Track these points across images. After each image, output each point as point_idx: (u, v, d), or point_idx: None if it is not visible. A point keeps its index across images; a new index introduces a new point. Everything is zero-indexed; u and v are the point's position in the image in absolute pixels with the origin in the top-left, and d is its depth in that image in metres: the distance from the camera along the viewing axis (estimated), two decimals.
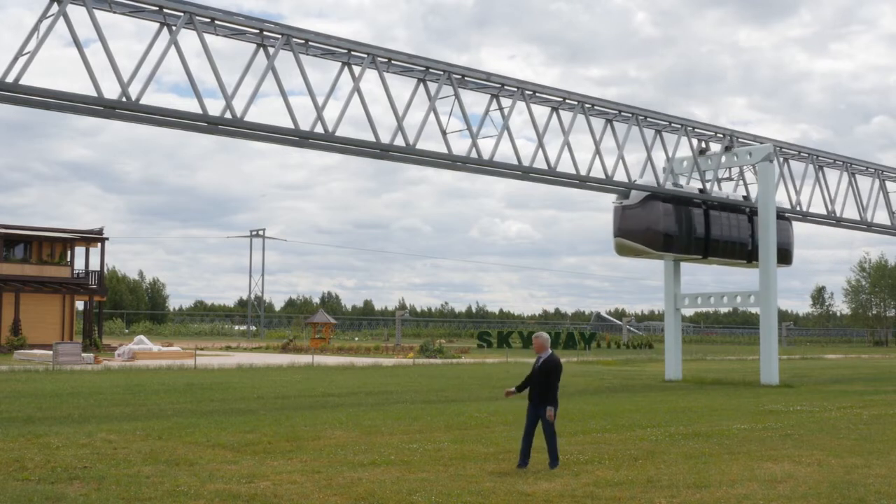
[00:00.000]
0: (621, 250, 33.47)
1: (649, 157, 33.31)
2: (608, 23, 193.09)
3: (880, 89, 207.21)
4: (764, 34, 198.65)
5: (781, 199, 37.38)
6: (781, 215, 37.28)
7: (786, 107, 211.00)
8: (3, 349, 50.68)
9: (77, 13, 20.61)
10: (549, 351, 12.88)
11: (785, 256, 37.41)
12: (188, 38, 22.94)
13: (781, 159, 37.73)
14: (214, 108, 22.84)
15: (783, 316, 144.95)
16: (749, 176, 37.06)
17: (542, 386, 12.60)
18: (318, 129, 24.42)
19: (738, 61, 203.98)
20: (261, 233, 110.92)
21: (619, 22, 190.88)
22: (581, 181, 30.97)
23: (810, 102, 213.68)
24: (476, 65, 34.17)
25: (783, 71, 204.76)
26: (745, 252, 36.06)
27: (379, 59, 25.67)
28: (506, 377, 35.49)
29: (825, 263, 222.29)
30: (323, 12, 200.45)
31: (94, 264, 60.50)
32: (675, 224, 33.14)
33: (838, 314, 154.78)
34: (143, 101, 21.49)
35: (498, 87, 28.54)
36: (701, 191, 34.17)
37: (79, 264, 59.10)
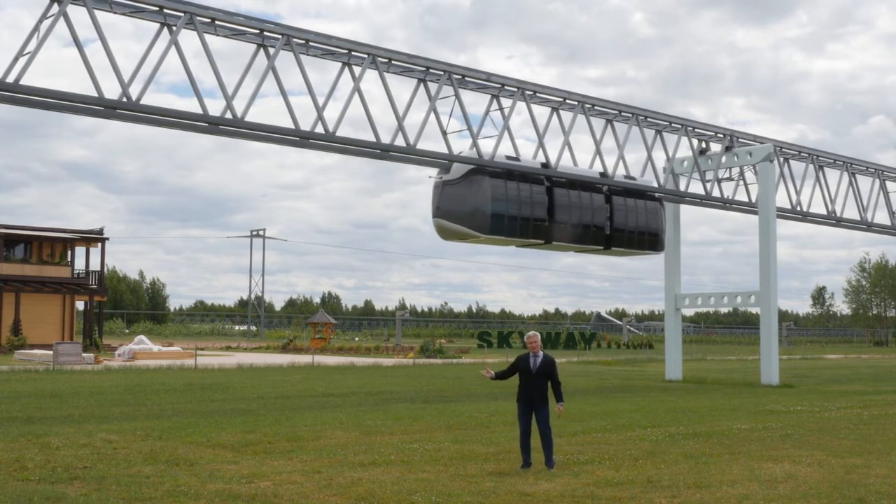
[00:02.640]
0: (443, 234, 28.71)
1: (650, 158, 33.33)
2: (605, 23, 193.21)
3: (878, 89, 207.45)
4: (761, 34, 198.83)
5: (782, 199, 37.41)
6: (649, 194, 33.14)
7: (783, 107, 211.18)
8: (3, 349, 50.70)
9: (77, 13, 20.64)
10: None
11: (654, 242, 33.27)
12: (187, 37, 22.96)
13: (782, 159, 37.75)
14: (213, 108, 22.89)
15: (783, 316, 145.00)
16: (749, 176, 37.07)
17: (543, 386, 12.59)
18: (319, 129, 24.44)
19: (735, 61, 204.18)
20: (261, 233, 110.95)
21: (616, 22, 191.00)
22: None
23: (808, 103, 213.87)
24: (474, 65, 34.54)
25: (781, 71, 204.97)
26: (600, 237, 31.46)
27: (379, 59, 25.68)
28: None
29: (825, 263, 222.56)
30: (321, 13, 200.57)
31: (95, 264, 60.62)
32: (508, 204, 28.33)
33: (839, 314, 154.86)
34: (143, 102, 21.50)
35: (498, 87, 28.56)
36: (544, 165, 29.53)
37: (79, 264, 59.17)
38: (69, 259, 57.76)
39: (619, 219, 31.84)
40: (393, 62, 26.30)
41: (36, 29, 20.25)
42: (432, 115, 26.87)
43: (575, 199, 30.30)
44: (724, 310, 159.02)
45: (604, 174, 31.16)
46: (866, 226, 42.13)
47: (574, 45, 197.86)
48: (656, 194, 33.29)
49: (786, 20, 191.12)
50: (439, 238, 29.27)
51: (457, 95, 27.29)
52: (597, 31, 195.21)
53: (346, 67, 25.43)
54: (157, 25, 22.16)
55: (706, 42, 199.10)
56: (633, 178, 32.33)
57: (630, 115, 32.29)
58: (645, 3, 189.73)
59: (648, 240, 32.97)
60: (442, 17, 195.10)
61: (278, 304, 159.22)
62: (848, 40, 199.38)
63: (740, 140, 36.78)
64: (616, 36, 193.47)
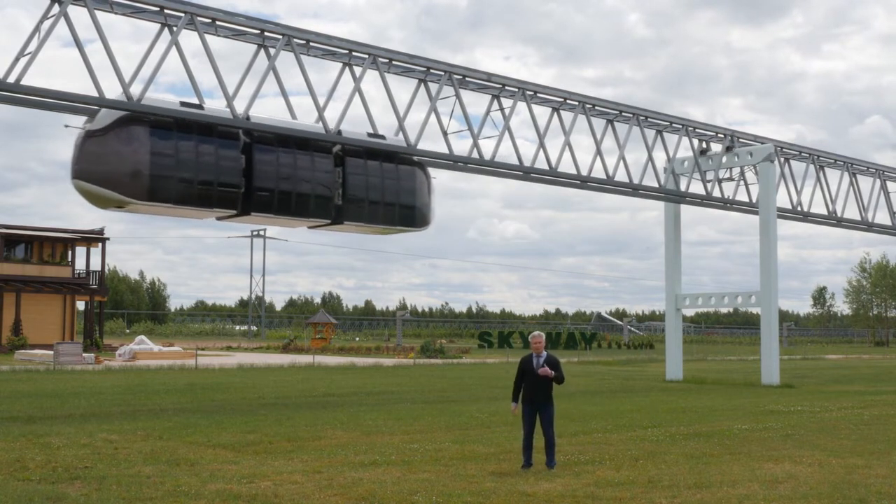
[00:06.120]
0: (89, 199, 22.07)
1: (650, 158, 33.32)
2: (601, 24, 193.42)
3: (874, 90, 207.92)
4: (757, 35, 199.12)
5: (782, 199, 37.41)
6: (403, 157, 26.31)
7: (781, 107, 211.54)
8: (3, 349, 50.71)
9: (77, 14, 20.64)
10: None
11: (409, 216, 26.37)
12: (187, 37, 22.95)
13: (782, 159, 37.75)
14: (214, 108, 22.83)
15: (784, 316, 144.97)
16: (750, 176, 37.06)
17: (547, 386, 12.53)
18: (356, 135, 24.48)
19: (732, 62, 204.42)
20: (261, 233, 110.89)
21: (612, 22, 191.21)
22: (582, 181, 31.01)
23: (805, 103, 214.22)
24: (472, 66, 34.57)
25: (777, 71, 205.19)
26: (326, 208, 24.61)
27: (380, 59, 25.67)
28: (507, 377, 35.48)
29: (825, 263, 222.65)
30: (318, 13, 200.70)
31: (95, 264, 60.60)
32: (178, 163, 22.07)
33: (839, 314, 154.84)
34: (143, 102, 21.47)
35: (499, 87, 28.55)
36: (246, 117, 23.42)
37: (79, 264, 59.16)
38: (70, 259, 57.75)
39: (354, 186, 25.16)
40: (393, 62, 26.27)
41: (37, 29, 20.25)
42: (433, 116, 26.87)
43: (286, 161, 23.91)
44: (724, 310, 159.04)
45: (338, 131, 25.01)
46: (867, 226, 42.13)
47: (571, 45, 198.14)
48: (415, 157, 26.74)
49: (781, 20, 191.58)
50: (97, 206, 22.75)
51: (457, 96, 27.27)
52: (593, 31, 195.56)
53: (347, 68, 25.43)
54: (158, 26, 22.16)
55: (702, 43, 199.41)
56: (382, 136, 25.94)
57: (630, 116, 32.29)
58: (641, 4, 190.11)
59: (400, 213, 26.16)
60: (439, 17, 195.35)
61: (279, 305, 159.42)
62: (843, 41, 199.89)
63: (741, 140, 36.79)
64: (612, 36, 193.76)
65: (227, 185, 22.77)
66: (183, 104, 22.35)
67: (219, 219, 24.55)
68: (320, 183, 24.44)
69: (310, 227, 26.70)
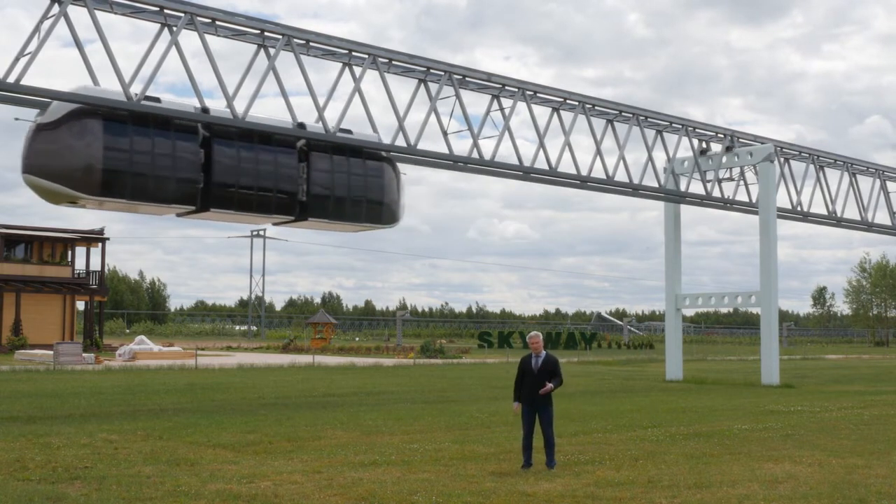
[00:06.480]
0: (41, 194, 21.48)
1: (650, 158, 33.31)
2: (601, 24, 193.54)
3: (874, 90, 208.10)
4: (756, 35, 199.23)
5: (782, 199, 37.41)
6: (370, 152, 25.61)
7: (781, 107, 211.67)
8: (3, 349, 50.71)
9: (77, 14, 20.65)
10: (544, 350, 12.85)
11: (377, 213, 25.72)
12: (186, 37, 22.95)
13: (782, 159, 37.75)
14: (214, 108, 22.81)
15: (784, 316, 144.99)
16: (750, 176, 37.07)
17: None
18: (319, 129, 24.41)
19: (731, 62, 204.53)
20: (261, 233, 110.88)
21: (611, 23, 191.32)
22: (582, 182, 31.01)
23: (805, 103, 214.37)
24: (471, 66, 34.41)
25: (777, 71, 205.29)
26: (290, 204, 24.02)
27: (380, 59, 25.67)
28: (507, 377, 35.48)
29: (825, 263, 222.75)
30: (318, 13, 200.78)
31: (95, 264, 60.60)
32: (132, 157, 21.29)
33: (839, 314, 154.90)
34: (143, 102, 21.47)
35: (499, 87, 28.55)
36: (205, 110, 22.53)
37: (79, 264, 59.16)
38: (70, 259, 57.77)
39: (319, 182, 24.50)
40: (393, 62, 26.28)
41: (36, 29, 20.26)
42: (433, 116, 26.87)
43: (247, 156, 23.17)
44: (724, 310, 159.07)
45: (301, 125, 24.30)
46: (867, 226, 42.14)
47: (570, 45, 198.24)
48: (383, 153, 25.92)
49: (781, 20, 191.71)
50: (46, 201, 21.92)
51: (457, 96, 27.28)
52: (593, 31, 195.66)
53: (347, 67, 25.42)
54: (158, 26, 22.16)
55: (702, 43, 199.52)
56: (349, 131, 25.27)
57: (630, 116, 32.29)
58: (640, 4, 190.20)
59: (368, 210, 25.53)
60: (438, 17, 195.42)
61: (279, 305, 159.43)
62: (843, 41, 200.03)
63: (741, 140, 36.79)
64: (612, 36, 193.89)
65: (186, 181, 22.12)
66: (147, 98, 21.66)
67: (178, 215, 23.79)
68: (285, 177, 23.72)
69: (274, 224, 26.05)
